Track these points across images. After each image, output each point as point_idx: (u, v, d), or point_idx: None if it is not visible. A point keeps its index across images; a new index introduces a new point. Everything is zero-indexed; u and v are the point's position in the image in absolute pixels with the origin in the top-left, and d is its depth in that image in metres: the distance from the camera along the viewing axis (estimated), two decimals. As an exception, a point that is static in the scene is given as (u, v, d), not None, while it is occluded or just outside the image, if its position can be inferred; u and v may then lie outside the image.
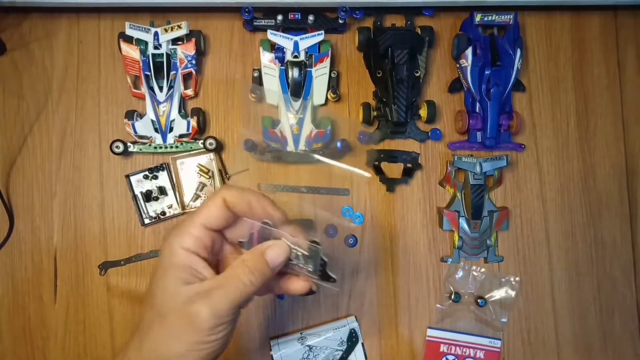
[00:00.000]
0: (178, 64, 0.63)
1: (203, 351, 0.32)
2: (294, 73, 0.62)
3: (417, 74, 0.64)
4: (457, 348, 0.64)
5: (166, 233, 0.37)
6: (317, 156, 0.37)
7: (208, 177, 0.64)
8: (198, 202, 0.64)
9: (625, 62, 0.69)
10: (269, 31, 0.63)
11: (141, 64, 0.62)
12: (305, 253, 0.35)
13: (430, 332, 0.64)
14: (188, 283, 0.33)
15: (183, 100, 0.65)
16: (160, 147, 0.62)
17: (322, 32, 0.63)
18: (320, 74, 0.64)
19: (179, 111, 0.63)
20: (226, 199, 0.35)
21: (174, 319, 0.32)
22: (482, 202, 0.63)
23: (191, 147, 0.62)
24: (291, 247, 0.35)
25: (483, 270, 0.65)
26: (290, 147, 0.63)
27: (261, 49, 0.64)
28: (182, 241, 0.34)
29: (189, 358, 0.32)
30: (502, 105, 0.64)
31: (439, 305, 0.65)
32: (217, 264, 0.37)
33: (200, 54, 0.65)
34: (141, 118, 0.63)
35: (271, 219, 0.36)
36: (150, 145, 0.62)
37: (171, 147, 0.62)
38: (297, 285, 0.37)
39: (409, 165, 0.65)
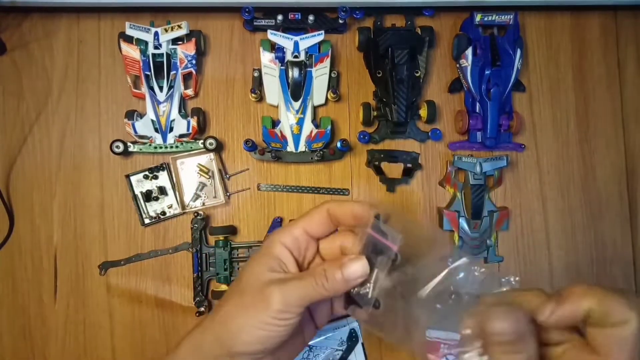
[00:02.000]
0: (178, 63, 0.63)
1: (267, 331, 0.34)
2: (294, 73, 0.62)
3: (417, 74, 0.64)
4: (457, 348, 0.64)
5: (273, 231, 0.41)
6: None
7: (208, 177, 0.64)
8: (198, 202, 0.64)
9: (625, 62, 0.69)
10: (269, 31, 0.63)
11: (141, 64, 0.62)
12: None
13: (430, 332, 0.64)
14: (273, 270, 0.36)
15: (183, 100, 0.65)
16: (161, 147, 0.62)
17: (322, 32, 0.63)
18: (320, 74, 0.64)
19: (179, 111, 0.63)
20: (329, 209, 0.37)
21: (250, 296, 0.35)
22: (482, 202, 0.63)
23: (191, 147, 0.62)
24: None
25: (483, 270, 0.65)
26: (290, 147, 0.63)
27: (261, 49, 0.64)
28: (281, 237, 0.37)
29: (252, 334, 0.34)
30: (502, 105, 0.64)
31: (439, 305, 0.65)
32: (304, 268, 0.40)
33: (200, 54, 0.65)
34: (141, 118, 0.63)
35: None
36: (150, 145, 0.62)
37: (171, 147, 0.62)
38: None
39: (409, 165, 0.65)
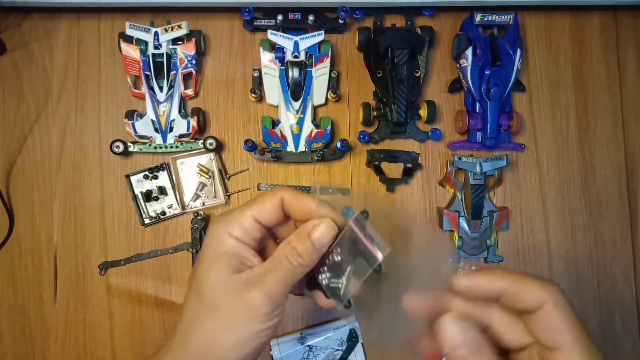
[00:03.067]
0: (178, 63, 0.63)
1: (258, 340, 0.31)
2: (294, 73, 0.62)
3: (417, 74, 0.64)
4: (457, 348, 0.64)
5: (212, 222, 0.34)
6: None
7: (208, 177, 0.64)
8: (198, 202, 0.64)
9: (625, 62, 0.69)
10: (269, 31, 0.63)
11: (141, 64, 0.62)
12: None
13: (430, 332, 0.64)
14: (239, 271, 0.32)
15: (183, 100, 0.65)
16: (160, 147, 0.62)
17: (322, 32, 0.63)
18: (320, 74, 0.64)
19: (179, 111, 0.63)
20: (284, 199, 0.33)
21: (227, 309, 0.31)
22: (482, 202, 0.63)
23: (191, 147, 0.62)
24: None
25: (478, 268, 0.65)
26: (290, 147, 0.63)
27: (261, 49, 0.64)
28: (231, 230, 0.33)
29: (244, 349, 0.31)
30: (502, 105, 0.64)
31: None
32: (262, 256, 0.36)
33: (200, 54, 0.65)
34: (141, 118, 0.63)
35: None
36: (150, 145, 0.62)
37: (171, 147, 0.62)
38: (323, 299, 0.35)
39: (409, 165, 0.65)
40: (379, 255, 0.31)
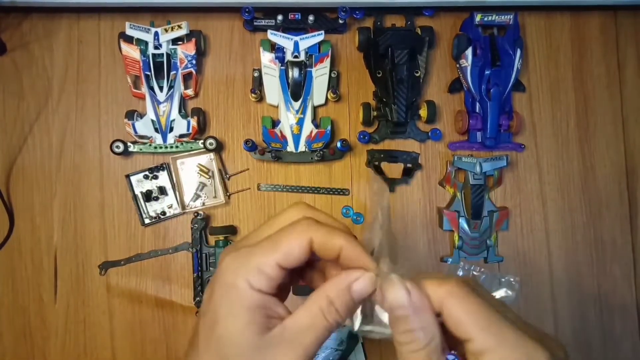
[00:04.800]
0: (178, 64, 0.63)
1: None
2: (294, 73, 0.62)
3: (417, 74, 0.64)
4: (457, 348, 0.64)
5: (226, 261, 0.29)
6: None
7: (208, 177, 0.64)
8: (198, 202, 0.64)
9: (625, 62, 0.69)
10: (269, 31, 0.63)
11: (141, 64, 0.62)
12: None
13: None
14: (267, 328, 0.28)
15: (183, 100, 0.65)
16: (161, 147, 0.62)
17: (322, 32, 0.63)
18: (320, 74, 0.64)
19: (179, 111, 0.63)
20: (314, 240, 0.29)
21: None
22: (482, 202, 0.63)
23: (191, 147, 0.62)
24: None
25: (483, 270, 0.65)
26: (290, 147, 0.63)
27: (261, 49, 0.64)
28: (253, 280, 0.28)
29: None
30: (502, 105, 0.64)
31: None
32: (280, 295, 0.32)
33: (200, 54, 0.65)
34: (141, 118, 0.63)
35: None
36: (150, 145, 0.62)
37: (171, 147, 0.62)
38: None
39: (409, 165, 0.65)
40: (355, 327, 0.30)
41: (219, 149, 0.64)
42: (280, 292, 0.30)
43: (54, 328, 0.62)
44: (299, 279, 0.34)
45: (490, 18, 0.65)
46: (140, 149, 0.62)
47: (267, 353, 0.27)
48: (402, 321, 0.27)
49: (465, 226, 0.64)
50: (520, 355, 0.25)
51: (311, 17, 0.64)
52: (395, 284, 0.28)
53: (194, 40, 0.63)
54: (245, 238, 0.32)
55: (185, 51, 0.63)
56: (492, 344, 0.25)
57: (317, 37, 0.63)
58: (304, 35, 0.63)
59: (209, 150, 0.62)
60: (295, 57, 0.63)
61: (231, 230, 0.63)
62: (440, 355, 0.27)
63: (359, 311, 0.30)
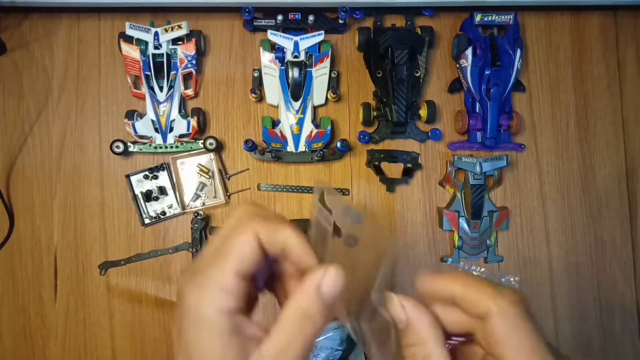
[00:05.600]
0: (178, 63, 0.63)
1: None
2: (294, 73, 0.62)
3: (417, 74, 0.64)
4: (457, 348, 0.64)
5: (184, 291, 0.26)
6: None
7: (208, 177, 0.64)
8: (198, 202, 0.64)
9: (625, 62, 0.69)
10: (269, 31, 0.63)
11: (141, 64, 0.62)
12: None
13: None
14: (245, 352, 0.25)
15: (183, 100, 0.65)
16: (161, 147, 0.62)
17: (322, 32, 0.63)
18: (320, 74, 0.64)
19: (179, 111, 0.63)
20: (260, 237, 0.27)
21: None
22: (482, 202, 0.63)
23: (191, 147, 0.62)
24: None
25: (483, 270, 0.65)
26: (290, 147, 0.63)
27: (261, 49, 0.64)
28: (217, 302, 0.25)
29: None
30: (502, 105, 0.64)
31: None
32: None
33: (200, 54, 0.65)
34: (141, 118, 0.63)
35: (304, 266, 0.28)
36: (150, 145, 0.62)
37: (171, 147, 0.62)
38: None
39: (409, 165, 0.65)
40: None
41: (219, 149, 0.64)
42: (248, 307, 0.28)
43: (54, 328, 0.62)
44: (263, 289, 0.31)
45: (490, 18, 0.65)
46: (140, 149, 0.62)
47: None
48: (403, 334, 0.27)
49: (465, 226, 0.64)
50: None
51: (311, 17, 0.64)
52: (392, 301, 0.27)
53: (194, 40, 0.63)
54: (197, 258, 0.29)
55: (185, 51, 0.63)
56: None
57: (317, 37, 0.63)
58: (304, 35, 0.63)
59: (209, 150, 0.62)
60: (295, 57, 0.63)
61: (231, 230, 0.63)
62: None
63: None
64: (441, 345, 0.27)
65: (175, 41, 0.63)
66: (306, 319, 0.26)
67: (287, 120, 0.63)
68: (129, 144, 0.62)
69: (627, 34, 0.69)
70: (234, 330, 0.25)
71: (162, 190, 0.64)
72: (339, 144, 0.62)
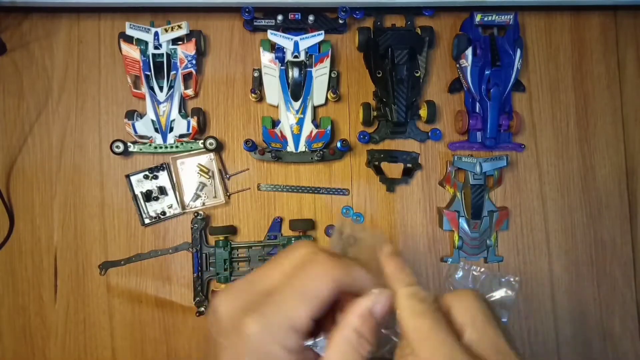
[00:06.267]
0: (178, 63, 0.63)
1: None
2: (294, 73, 0.62)
3: (417, 74, 0.64)
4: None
5: (249, 323, 0.25)
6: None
7: (208, 177, 0.64)
8: (198, 202, 0.64)
9: (625, 62, 0.69)
10: (269, 31, 0.63)
11: (141, 64, 0.62)
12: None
13: None
14: None
15: (183, 100, 0.65)
16: (161, 147, 0.62)
17: (322, 32, 0.63)
18: (320, 74, 0.64)
19: (179, 111, 0.63)
20: (339, 280, 0.27)
21: None
22: (482, 202, 0.63)
23: (191, 147, 0.62)
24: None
25: (483, 270, 0.65)
26: (290, 147, 0.63)
27: (261, 49, 0.64)
28: (287, 342, 0.25)
29: None
30: (502, 105, 0.64)
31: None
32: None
33: (200, 54, 0.65)
34: (141, 118, 0.63)
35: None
36: (150, 145, 0.62)
37: (171, 147, 0.62)
38: None
39: (409, 165, 0.65)
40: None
41: (219, 149, 0.64)
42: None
43: (54, 328, 0.62)
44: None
45: (490, 18, 0.65)
46: (140, 149, 0.62)
47: None
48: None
49: (465, 226, 0.64)
50: None
51: (311, 17, 0.64)
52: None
53: (194, 40, 0.63)
54: (250, 283, 0.28)
55: (185, 51, 0.63)
56: None
57: (317, 37, 0.63)
58: (304, 35, 0.63)
59: (209, 150, 0.62)
60: (295, 57, 0.63)
61: (231, 230, 0.63)
62: None
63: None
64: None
65: (175, 41, 0.63)
66: (361, 340, 0.26)
67: (287, 120, 0.63)
68: (129, 144, 0.62)
69: (627, 34, 0.69)
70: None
71: (162, 190, 0.64)
72: (339, 144, 0.62)
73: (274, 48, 0.64)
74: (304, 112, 0.63)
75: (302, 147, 0.63)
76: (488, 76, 0.64)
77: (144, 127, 0.62)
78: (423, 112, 0.64)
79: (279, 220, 0.64)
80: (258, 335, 0.25)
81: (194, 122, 0.62)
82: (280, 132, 0.63)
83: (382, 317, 0.27)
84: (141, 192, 0.63)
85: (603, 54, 0.69)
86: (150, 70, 0.62)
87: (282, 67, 0.63)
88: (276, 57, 0.63)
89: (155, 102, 0.62)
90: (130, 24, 0.62)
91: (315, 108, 0.65)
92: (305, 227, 0.63)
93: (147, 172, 0.64)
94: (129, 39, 0.62)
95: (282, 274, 0.27)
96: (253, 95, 0.64)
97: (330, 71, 0.64)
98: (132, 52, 0.62)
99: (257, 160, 0.65)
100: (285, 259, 0.28)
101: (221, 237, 0.62)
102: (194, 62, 0.63)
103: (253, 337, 0.25)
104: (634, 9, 0.69)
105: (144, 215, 0.63)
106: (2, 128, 0.64)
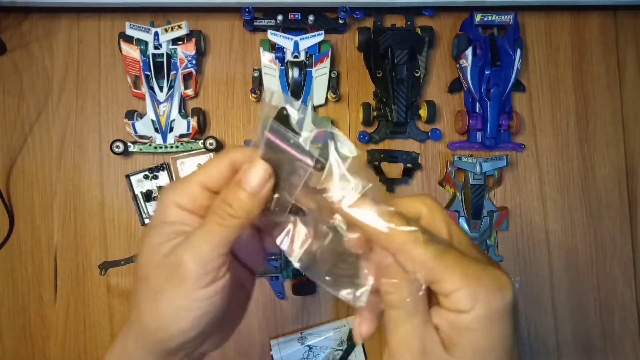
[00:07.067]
0: (178, 64, 0.63)
1: (197, 309, 0.28)
2: (294, 73, 0.62)
3: (417, 74, 0.64)
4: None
5: (160, 192, 0.32)
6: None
7: (208, 177, 0.64)
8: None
9: (625, 62, 0.69)
10: (269, 31, 0.63)
11: (141, 64, 0.62)
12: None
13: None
14: (174, 238, 0.29)
15: (183, 100, 0.65)
16: (161, 147, 0.62)
17: (322, 32, 0.63)
18: (320, 74, 0.64)
19: (179, 111, 0.63)
20: (235, 161, 0.29)
21: (156, 277, 0.28)
22: (482, 202, 0.63)
23: (191, 147, 0.62)
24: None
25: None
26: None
27: (261, 49, 0.64)
28: (175, 198, 0.30)
29: (182, 319, 0.28)
30: (502, 105, 0.64)
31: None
32: None
33: (200, 54, 0.65)
34: (141, 118, 0.63)
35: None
36: (150, 145, 0.62)
37: (171, 147, 0.62)
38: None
39: (409, 165, 0.65)
40: (309, 162, 0.28)
41: (219, 149, 0.64)
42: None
43: (54, 328, 0.62)
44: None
45: (490, 18, 0.65)
46: (140, 149, 0.62)
47: (164, 256, 0.28)
48: (387, 270, 0.27)
49: (465, 226, 0.64)
50: (490, 285, 0.25)
51: (311, 17, 0.64)
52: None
53: (194, 40, 0.63)
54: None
55: (185, 51, 0.63)
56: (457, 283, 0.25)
57: (317, 37, 0.63)
58: (304, 35, 0.63)
59: (209, 151, 0.62)
60: (295, 57, 0.63)
61: (231, 230, 0.63)
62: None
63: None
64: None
65: (175, 41, 0.63)
66: (222, 204, 0.28)
67: (287, 120, 0.63)
68: (129, 144, 0.62)
69: (627, 34, 0.69)
70: (179, 222, 0.29)
71: (162, 190, 0.64)
72: (339, 144, 0.62)
73: (274, 48, 0.64)
74: (303, 112, 0.63)
75: (302, 147, 0.63)
76: (488, 76, 0.64)
77: (144, 127, 0.62)
78: (423, 112, 0.64)
79: (279, 220, 0.64)
80: (161, 196, 0.31)
81: (194, 122, 0.62)
82: (280, 132, 0.63)
83: (254, 187, 0.28)
84: (141, 192, 0.63)
85: (603, 54, 0.69)
86: (150, 70, 0.62)
87: (282, 67, 0.63)
88: (276, 57, 0.63)
89: (155, 102, 0.62)
90: (130, 24, 0.62)
91: (315, 108, 0.65)
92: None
93: (147, 172, 0.64)
94: (129, 39, 0.62)
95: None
96: (253, 95, 0.64)
97: (330, 71, 0.64)
98: (132, 52, 0.62)
99: (257, 160, 0.65)
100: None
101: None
102: (194, 62, 0.63)
103: (159, 198, 0.32)
104: (634, 9, 0.69)
105: (144, 215, 0.63)
106: (2, 128, 0.64)
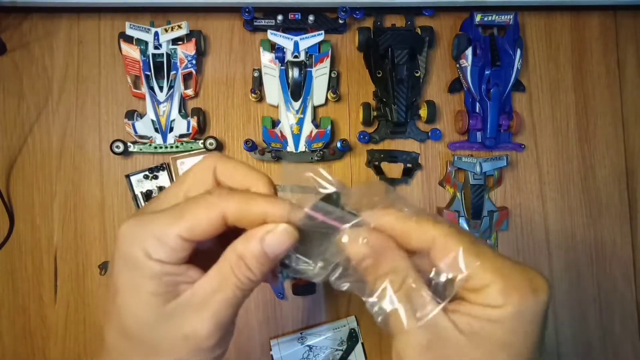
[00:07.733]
0: (178, 64, 0.63)
1: None
2: (294, 73, 0.62)
3: (417, 74, 0.64)
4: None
5: (122, 231, 0.26)
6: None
7: (208, 177, 0.64)
8: (198, 202, 0.64)
9: (625, 62, 0.69)
10: (269, 31, 0.63)
11: (141, 64, 0.62)
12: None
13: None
14: (174, 297, 0.25)
15: (183, 100, 0.65)
16: (161, 147, 0.62)
17: (322, 32, 0.63)
18: (320, 74, 0.64)
19: (179, 111, 0.63)
20: (228, 213, 0.26)
21: (165, 346, 0.25)
22: (482, 202, 0.63)
23: (191, 147, 0.62)
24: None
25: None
26: (290, 147, 0.63)
27: (261, 49, 0.64)
28: (150, 250, 0.25)
29: None
30: (502, 105, 0.64)
31: (439, 305, 0.65)
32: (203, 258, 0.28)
33: (200, 54, 0.65)
34: (141, 118, 0.63)
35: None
36: (150, 145, 0.62)
37: (171, 147, 0.62)
38: None
39: (409, 165, 0.65)
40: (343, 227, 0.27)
41: (219, 149, 0.64)
42: (203, 259, 0.27)
43: (54, 328, 0.62)
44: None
45: (490, 18, 0.65)
46: (140, 149, 0.62)
47: (173, 321, 0.25)
48: (370, 270, 0.26)
49: (465, 226, 0.64)
50: (524, 284, 0.24)
51: (311, 17, 0.64)
52: (351, 238, 0.26)
53: (194, 40, 0.63)
54: (152, 201, 0.28)
55: (185, 51, 0.63)
56: (489, 277, 0.24)
57: (317, 37, 0.63)
58: (304, 35, 0.63)
59: (209, 150, 0.62)
60: (295, 57, 0.63)
61: (231, 230, 0.63)
62: (422, 285, 0.26)
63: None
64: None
65: (175, 41, 0.63)
66: (240, 263, 0.26)
67: (287, 120, 0.63)
68: (129, 144, 0.62)
69: (627, 34, 0.69)
70: (167, 274, 0.25)
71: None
72: (339, 144, 0.62)
73: (274, 48, 0.64)
74: (304, 112, 0.63)
75: (302, 147, 0.63)
76: (488, 76, 0.64)
77: (144, 127, 0.62)
78: (423, 112, 0.64)
79: (279, 220, 0.64)
80: (125, 236, 0.26)
81: (194, 122, 0.62)
82: (280, 132, 0.63)
83: (274, 250, 0.26)
84: (141, 192, 0.63)
85: (603, 54, 0.69)
86: (150, 70, 0.62)
87: (282, 67, 0.63)
88: (276, 57, 0.63)
89: (155, 102, 0.62)
90: (130, 24, 0.62)
91: (315, 108, 0.65)
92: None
93: (147, 172, 0.64)
94: (129, 39, 0.62)
95: (177, 192, 0.28)
96: (253, 95, 0.64)
97: (330, 71, 0.64)
98: (132, 52, 0.62)
99: (257, 160, 0.65)
100: (186, 177, 0.28)
101: (221, 237, 0.62)
102: (194, 62, 0.63)
103: (120, 237, 0.26)
104: (634, 9, 0.69)
105: (144, 215, 0.63)
106: (2, 128, 0.64)
